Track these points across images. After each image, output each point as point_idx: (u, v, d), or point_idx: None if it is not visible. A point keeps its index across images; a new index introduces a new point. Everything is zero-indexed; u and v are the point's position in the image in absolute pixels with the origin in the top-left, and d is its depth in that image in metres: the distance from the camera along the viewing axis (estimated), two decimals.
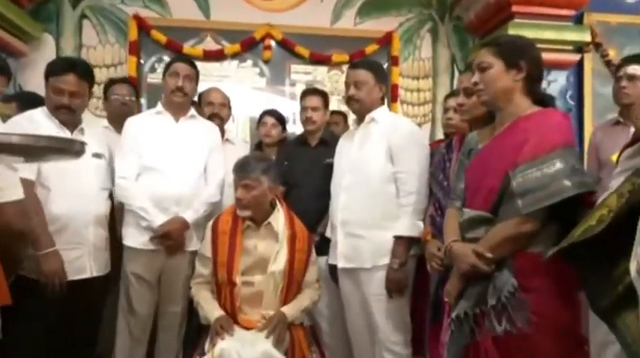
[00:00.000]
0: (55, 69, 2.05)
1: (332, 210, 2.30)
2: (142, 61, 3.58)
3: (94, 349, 2.19)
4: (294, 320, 2.03)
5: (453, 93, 2.36)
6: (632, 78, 2.33)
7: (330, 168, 2.39)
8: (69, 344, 1.96)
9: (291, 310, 2.02)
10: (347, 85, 2.24)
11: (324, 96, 2.74)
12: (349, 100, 2.25)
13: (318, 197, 2.43)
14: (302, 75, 3.74)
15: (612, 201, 1.15)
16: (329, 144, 2.58)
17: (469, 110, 1.82)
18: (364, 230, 2.14)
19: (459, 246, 1.53)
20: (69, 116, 2.06)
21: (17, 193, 1.19)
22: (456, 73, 3.69)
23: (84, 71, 2.10)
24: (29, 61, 3.34)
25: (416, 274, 2.16)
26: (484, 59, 1.56)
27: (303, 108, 2.67)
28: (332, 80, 3.71)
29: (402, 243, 2.08)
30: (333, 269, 2.28)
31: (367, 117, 2.22)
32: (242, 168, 2.05)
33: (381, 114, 2.24)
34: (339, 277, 2.24)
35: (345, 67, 3.80)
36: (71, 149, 0.94)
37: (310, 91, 2.77)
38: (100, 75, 3.44)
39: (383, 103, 2.30)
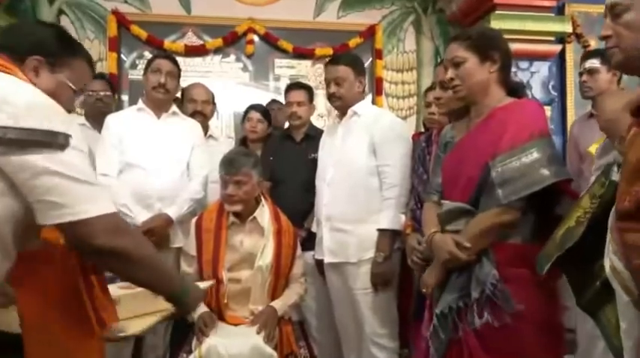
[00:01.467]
0: None
1: (316, 205, 2.32)
2: (122, 57, 3.56)
3: None
4: (283, 314, 2.04)
5: (432, 87, 2.38)
6: (591, 72, 2.41)
7: (315, 162, 2.40)
8: None
9: (280, 305, 2.03)
10: (327, 82, 2.24)
11: (308, 90, 2.74)
12: (331, 98, 2.25)
13: (304, 192, 2.45)
14: (286, 69, 3.74)
15: (586, 203, 1.18)
16: (314, 138, 2.58)
17: (447, 103, 1.83)
18: (349, 224, 2.15)
19: (439, 236, 1.55)
20: None
21: (106, 206, 0.96)
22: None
23: None
24: None
25: (401, 267, 2.18)
26: (457, 54, 1.56)
27: (288, 103, 2.67)
28: (316, 74, 3.71)
29: (386, 236, 2.10)
30: (319, 264, 2.29)
31: (349, 111, 2.23)
32: (232, 165, 2.04)
33: (363, 107, 2.25)
34: (326, 272, 2.26)
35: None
36: (55, 142, 0.84)
37: (295, 86, 2.76)
38: None
39: (364, 96, 2.32)
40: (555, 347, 1.44)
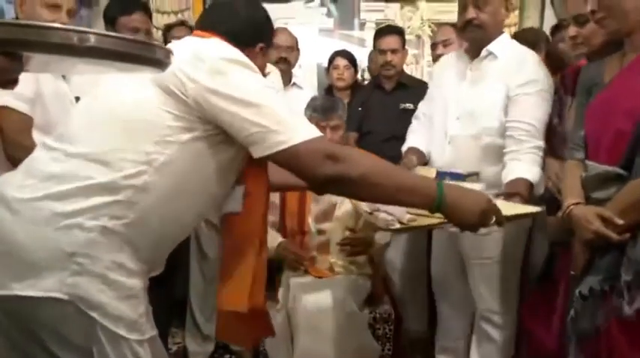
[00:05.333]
0: (124, 8, 2.03)
1: (432, 155, 1.89)
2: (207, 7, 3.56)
3: (172, 291, 2.32)
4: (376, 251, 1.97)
5: (560, 25, 1.95)
6: None
7: (407, 113, 2.17)
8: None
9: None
10: (463, 5, 1.72)
11: (402, 34, 2.48)
12: (467, 25, 1.71)
13: (393, 143, 2.23)
14: (372, 13, 3.52)
15: None
16: (407, 87, 2.38)
17: (586, 41, 1.47)
18: (478, 186, 1.64)
19: (580, 209, 1.23)
20: None
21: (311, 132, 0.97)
22: (547, 3, 3.30)
23: (147, 8, 2.15)
24: (102, 9, 3.40)
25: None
26: None
27: (381, 51, 2.42)
28: (405, 18, 3.47)
29: (524, 184, 1.59)
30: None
31: (484, 51, 1.74)
32: (329, 109, 1.91)
33: (501, 46, 1.74)
34: (435, 232, 1.96)
35: (419, 3, 3.56)
36: (152, 56, 0.71)
37: (387, 31, 2.49)
38: (168, 21, 3.45)
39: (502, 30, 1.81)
40: None
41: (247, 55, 1.01)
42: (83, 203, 0.89)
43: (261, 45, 1.10)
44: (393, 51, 2.42)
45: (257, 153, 0.95)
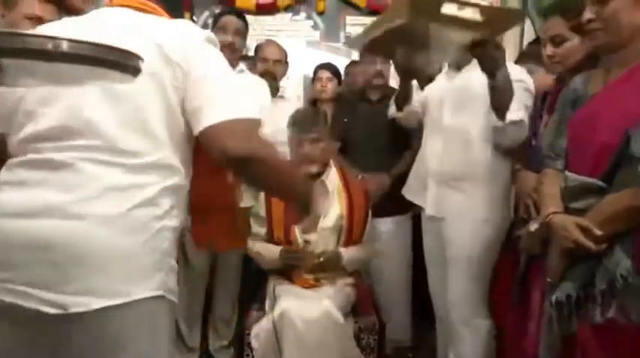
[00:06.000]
0: None
1: (424, 151, 1.97)
2: (194, 18, 3.56)
3: None
4: (348, 265, 1.95)
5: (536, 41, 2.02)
6: None
7: (394, 123, 2.21)
8: None
9: (347, 253, 1.94)
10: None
11: None
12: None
13: (379, 154, 2.29)
14: (358, 27, 3.54)
15: None
16: (390, 99, 2.49)
17: (562, 61, 1.53)
18: (466, 183, 1.84)
19: (560, 218, 1.25)
20: None
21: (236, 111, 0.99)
22: (528, 22, 3.38)
23: None
24: None
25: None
26: None
27: (371, 61, 2.45)
28: None
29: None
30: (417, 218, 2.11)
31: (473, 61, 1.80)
32: (305, 123, 1.92)
33: None
34: (424, 226, 2.01)
35: None
36: (126, 63, 0.68)
37: None
38: None
39: None
40: None
41: None
42: (165, 205, 0.96)
43: None
44: (382, 61, 2.44)
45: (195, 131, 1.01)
